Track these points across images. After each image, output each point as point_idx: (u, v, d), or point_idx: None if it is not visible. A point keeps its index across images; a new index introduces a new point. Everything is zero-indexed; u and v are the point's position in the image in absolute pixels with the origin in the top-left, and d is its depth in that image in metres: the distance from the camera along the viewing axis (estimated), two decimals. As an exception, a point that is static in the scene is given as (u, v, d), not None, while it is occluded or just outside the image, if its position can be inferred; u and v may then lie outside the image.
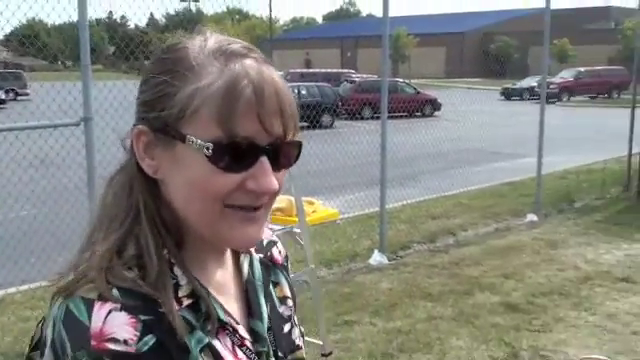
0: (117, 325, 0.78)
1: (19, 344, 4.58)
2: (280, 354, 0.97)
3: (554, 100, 31.39)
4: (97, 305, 0.79)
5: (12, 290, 5.38)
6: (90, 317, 0.78)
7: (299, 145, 0.89)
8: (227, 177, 0.83)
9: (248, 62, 0.85)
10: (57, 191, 6.06)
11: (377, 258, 6.72)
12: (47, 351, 0.81)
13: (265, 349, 0.94)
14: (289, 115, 0.86)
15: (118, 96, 5.20)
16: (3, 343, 4.65)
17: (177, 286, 0.86)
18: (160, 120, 0.85)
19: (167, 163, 0.86)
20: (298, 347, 1.02)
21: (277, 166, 0.86)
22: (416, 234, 7.75)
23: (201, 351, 0.84)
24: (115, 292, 0.80)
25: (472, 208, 9.25)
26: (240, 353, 0.89)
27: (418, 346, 4.67)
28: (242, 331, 0.91)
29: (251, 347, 0.92)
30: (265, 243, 1.07)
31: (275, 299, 1.02)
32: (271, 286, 1.03)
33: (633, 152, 10.20)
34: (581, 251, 7.07)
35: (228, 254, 0.98)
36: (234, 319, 0.91)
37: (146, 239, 0.85)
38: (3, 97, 27.89)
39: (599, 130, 18.90)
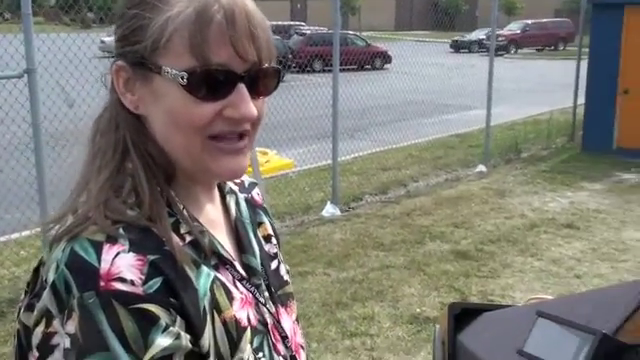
0: (124, 265, 0.77)
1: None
2: (271, 289, 0.99)
3: (502, 52, 31.68)
4: (106, 247, 0.79)
5: (-43, 248, 5.25)
6: (99, 259, 0.77)
7: (277, 72, 0.90)
8: (205, 106, 0.84)
9: None
10: (1, 146, 5.89)
11: (330, 210, 6.78)
12: (46, 293, 0.79)
13: (260, 282, 0.96)
14: (263, 40, 0.86)
15: (62, 47, 5.03)
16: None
17: (178, 223, 0.86)
18: (136, 54, 0.85)
19: (147, 97, 0.86)
20: (286, 282, 1.04)
21: (256, 93, 0.87)
22: (368, 186, 7.83)
23: (213, 283, 0.86)
24: (122, 232, 0.80)
25: (423, 159, 9.38)
26: (241, 287, 0.91)
27: (371, 294, 4.77)
28: (237, 266, 0.93)
29: (245, 280, 0.93)
30: (247, 184, 1.10)
31: (261, 238, 1.04)
32: (254, 224, 1.05)
33: (578, 103, 10.45)
34: (528, 199, 7.27)
35: (216, 192, 0.99)
36: (230, 254, 0.92)
37: (137, 172, 0.86)
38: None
39: (545, 82, 19.24)
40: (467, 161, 9.15)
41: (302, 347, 1.03)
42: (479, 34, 34.57)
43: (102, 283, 0.76)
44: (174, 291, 0.80)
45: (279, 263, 1.05)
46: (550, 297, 1.41)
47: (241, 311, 0.88)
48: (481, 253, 5.59)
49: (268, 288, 0.98)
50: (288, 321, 0.99)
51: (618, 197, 7.35)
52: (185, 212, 0.88)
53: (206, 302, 0.84)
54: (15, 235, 5.38)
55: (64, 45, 4.99)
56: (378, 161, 9.19)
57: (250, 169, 3.12)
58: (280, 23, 36.25)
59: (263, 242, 1.04)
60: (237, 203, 1.02)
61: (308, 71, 16.61)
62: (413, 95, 11.84)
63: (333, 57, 6.86)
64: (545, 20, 39.89)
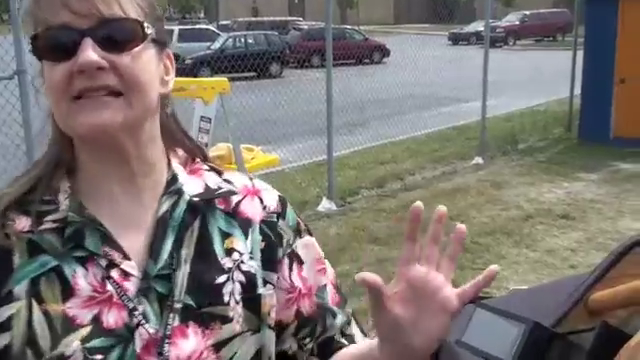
0: None
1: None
2: (191, 302, 0.90)
3: (500, 44, 31.66)
4: None
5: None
6: None
7: (134, 22, 0.89)
8: (58, 67, 0.87)
9: None
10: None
11: (326, 205, 6.79)
12: None
13: (156, 288, 0.89)
14: None
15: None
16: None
17: (53, 211, 0.90)
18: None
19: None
20: (223, 302, 0.93)
21: (113, 48, 0.87)
22: (365, 180, 7.83)
23: (43, 274, 0.87)
24: None
25: (420, 153, 9.38)
26: (108, 285, 0.88)
27: (365, 289, 4.77)
28: (128, 266, 0.89)
29: (129, 283, 0.88)
30: (223, 190, 1.01)
31: (221, 249, 0.96)
32: (214, 234, 0.96)
33: (575, 93, 10.44)
34: (524, 191, 7.28)
35: (150, 188, 0.94)
36: (123, 254, 0.89)
37: (41, 164, 0.94)
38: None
39: (543, 72, 19.20)
40: (464, 153, 9.15)
41: None
42: (477, 26, 34.37)
43: None
44: None
45: (228, 280, 0.94)
46: (525, 287, 1.42)
47: (82, 309, 0.87)
48: (476, 245, 5.59)
49: (171, 298, 0.90)
50: (193, 342, 0.89)
51: (615, 187, 7.35)
52: (67, 201, 0.91)
53: (18, 287, 0.86)
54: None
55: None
56: (375, 155, 9.19)
57: (234, 166, 3.14)
58: (278, 19, 36.20)
59: (222, 254, 0.96)
60: (174, 204, 0.95)
61: (306, 66, 16.61)
62: (411, 88, 11.85)
63: (326, 52, 6.86)
64: (543, 11, 39.79)
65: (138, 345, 0.86)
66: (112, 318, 0.87)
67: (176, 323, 0.89)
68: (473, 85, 11.23)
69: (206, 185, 1.00)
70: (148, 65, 0.91)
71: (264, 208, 1.02)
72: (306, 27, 28.60)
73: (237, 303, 0.93)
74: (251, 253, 0.98)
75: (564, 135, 10.34)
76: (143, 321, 0.87)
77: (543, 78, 16.58)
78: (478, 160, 8.73)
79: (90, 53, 0.85)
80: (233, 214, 0.99)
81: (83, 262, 0.88)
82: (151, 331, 0.87)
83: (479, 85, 9.15)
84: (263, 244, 0.99)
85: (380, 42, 25.81)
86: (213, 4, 60.23)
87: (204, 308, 0.91)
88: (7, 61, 4.48)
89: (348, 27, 29.06)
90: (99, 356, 0.84)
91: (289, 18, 38.78)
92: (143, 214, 0.93)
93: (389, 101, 12.35)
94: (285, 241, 1.02)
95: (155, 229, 0.93)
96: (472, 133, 10.29)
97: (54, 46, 0.86)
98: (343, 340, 1.05)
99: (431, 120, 11.19)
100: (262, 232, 1.00)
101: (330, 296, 1.06)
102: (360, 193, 7.37)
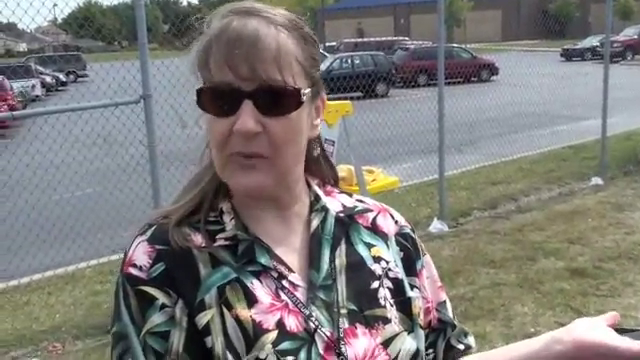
0: (138, 253, 0.94)
1: (91, 317, 4.75)
2: (354, 307, 0.99)
3: (618, 59, 30.21)
4: (138, 238, 0.96)
5: (82, 265, 5.56)
6: (131, 247, 0.96)
7: (294, 91, 0.92)
8: (219, 122, 0.92)
9: (242, 19, 0.92)
10: (120, 168, 6.21)
11: (437, 226, 6.67)
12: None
13: (321, 296, 0.97)
14: (270, 61, 0.90)
15: (176, 73, 5.25)
16: (76, 316, 4.84)
17: (220, 230, 0.98)
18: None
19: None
20: (379, 305, 1.01)
21: (269, 112, 0.91)
22: (476, 201, 7.64)
23: (228, 284, 0.94)
24: (154, 227, 0.96)
25: (534, 173, 9.06)
26: (283, 295, 0.95)
27: (482, 313, 4.63)
28: (294, 278, 0.97)
29: (298, 292, 0.96)
30: (360, 208, 1.10)
31: (369, 257, 1.05)
32: (359, 245, 1.05)
33: None
34: (650, 214, 6.85)
35: (296, 213, 1.03)
36: (287, 267, 0.97)
37: (203, 185, 1.00)
38: (64, 79, 28.68)
39: (666, 88, 18.14)
40: (581, 174, 8.74)
41: None
42: (592, 41, 33.16)
43: (125, 267, 0.94)
44: (172, 278, 0.93)
45: (380, 285, 1.03)
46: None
47: (266, 315, 0.93)
48: (599, 271, 5.30)
49: (337, 304, 0.98)
50: (364, 341, 0.97)
51: None
52: (233, 222, 0.98)
53: (208, 296, 0.93)
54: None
55: (177, 71, 5.21)
56: (487, 175, 8.96)
57: (357, 188, 3.14)
58: (384, 39, 36.30)
59: (370, 261, 1.04)
60: (324, 220, 1.04)
61: (413, 86, 16.50)
62: (523, 107, 11.49)
63: (438, 70, 6.78)
64: (665, 23, 37.71)
65: (320, 347, 0.94)
66: (292, 323, 0.94)
67: (346, 325, 0.97)
68: (589, 102, 10.77)
69: (343, 204, 1.09)
70: (299, 125, 0.96)
71: (396, 223, 1.12)
72: (412, 46, 28.47)
73: (392, 306, 1.03)
74: (395, 261, 1.07)
75: (692, 154, 9.68)
76: (320, 325, 0.95)
77: (667, 94, 15.67)
78: (597, 181, 8.32)
79: (248, 120, 0.90)
80: (372, 228, 1.09)
81: (257, 275, 0.96)
82: (328, 334, 0.95)
83: (595, 102, 8.74)
84: (402, 254, 1.09)
85: (489, 60, 25.29)
86: (319, 26, 61.30)
87: (366, 311, 1.00)
88: (134, 87, 4.72)
89: (455, 45, 28.70)
90: (290, 357, 0.92)
91: (395, 38, 38.81)
92: (290, 235, 1.02)
93: (500, 120, 12.05)
94: (420, 253, 1.12)
95: (310, 244, 1.02)
96: (589, 152, 9.84)
97: (217, 103, 0.92)
98: (460, 346, 1.14)
99: (545, 139, 10.78)
100: (399, 243, 1.10)
101: (450, 312, 1.15)
102: (472, 214, 7.19)
